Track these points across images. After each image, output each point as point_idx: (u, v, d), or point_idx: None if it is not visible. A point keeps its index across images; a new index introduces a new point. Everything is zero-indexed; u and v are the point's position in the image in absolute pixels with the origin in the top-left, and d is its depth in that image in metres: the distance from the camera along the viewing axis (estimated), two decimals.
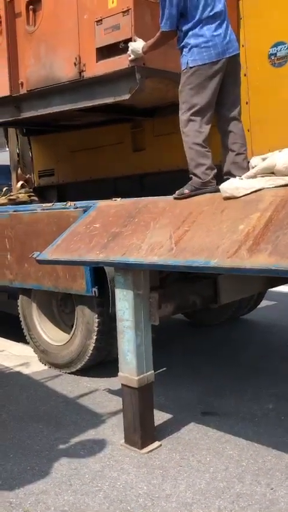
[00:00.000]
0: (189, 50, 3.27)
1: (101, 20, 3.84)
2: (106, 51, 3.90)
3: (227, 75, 3.33)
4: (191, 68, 3.27)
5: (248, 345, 5.24)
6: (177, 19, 3.29)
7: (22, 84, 4.64)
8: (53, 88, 4.36)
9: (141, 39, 3.57)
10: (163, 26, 3.34)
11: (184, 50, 3.31)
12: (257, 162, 3.10)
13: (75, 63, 4.10)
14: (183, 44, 3.32)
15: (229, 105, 3.41)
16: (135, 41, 3.60)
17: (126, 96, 3.88)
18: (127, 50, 3.63)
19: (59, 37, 4.25)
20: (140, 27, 3.65)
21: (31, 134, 6.32)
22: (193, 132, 3.29)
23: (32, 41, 4.46)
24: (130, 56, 3.62)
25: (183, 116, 3.33)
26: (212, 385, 4.12)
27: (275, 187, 2.86)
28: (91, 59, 4.00)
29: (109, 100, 4.05)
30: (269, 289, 5.27)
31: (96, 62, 3.97)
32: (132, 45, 3.59)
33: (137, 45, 3.56)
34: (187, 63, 3.28)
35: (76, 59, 4.09)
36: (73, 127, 5.63)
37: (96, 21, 3.88)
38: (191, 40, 3.27)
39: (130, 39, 3.64)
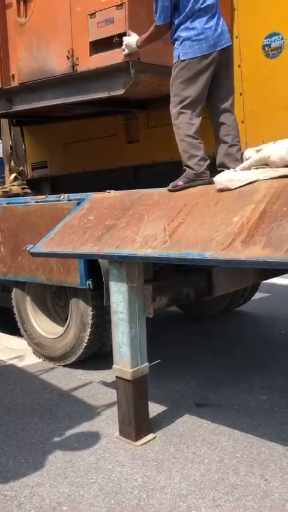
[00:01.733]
0: (181, 43, 3.25)
1: (95, 13, 3.79)
2: (100, 45, 3.85)
3: (219, 67, 3.32)
4: (182, 61, 3.25)
5: (242, 336, 5.25)
6: (171, 12, 3.26)
7: (13, 76, 4.57)
8: (45, 81, 4.31)
9: (135, 34, 3.53)
10: (157, 20, 3.31)
11: (176, 43, 3.30)
12: (251, 154, 3.10)
13: (68, 57, 4.04)
14: (175, 37, 3.31)
15: (222, 97, 3.40)
16: (129, 35, 3.55)
17: (121, 91, 3.84)
18: (121, 45, 3.59)
19: (51, 29, 4.19)
20: (134, 21, 3.61)
21: (22, 125, 6.26)
22: (184, 124, 3.29)
23: (23, 33, 4.40)
24: (124, 50, 3.58)
25: (174, 109, 3.33)
26: (206, 377, 4.13)
27: (269, 179, 2.85)
28: (84, 53, 3.95)
29: (103, 94, 4.01)
30: (263, 281, 5.28)
31: (90, 55, 3.92)
32: (126, 40, 3.54)
33: (131, 40, 3.52)
34: (178, 56, 3.27)
35: (69, 52, 4.03)
36: (66, 118, 5.58)
37: (90, 14, 3.83)
38: (182, 33, 3.25)
39: (124, 34, 3.60)
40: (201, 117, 3.33)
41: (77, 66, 4.02)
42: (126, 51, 3.57)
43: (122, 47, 3.59)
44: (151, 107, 5.02)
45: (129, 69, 3.69)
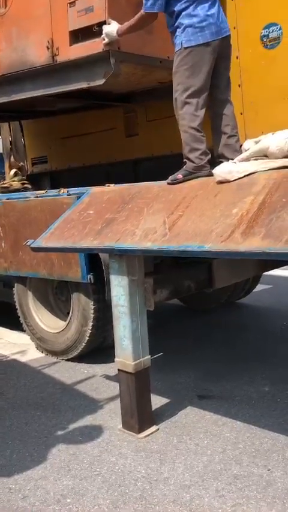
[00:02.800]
0: (183, 30, 3.21)
1: (74, 1, 3.72)
2: (80, 35, 3.78)
3: (220, 57, 3.30)
4: (185, 48, 3.22)
5: (244, 328, 5.26)
6: (166, 1, 3.23)
7: None
8: (25, 73, 4.23)
9: (115, 22, 3.48)
10: (149, 7, 3.25)
11: (178, 30, 3.26)
12: (249, 145, 3.09)
13: (47, 47, 3.97)
14: (176, 24, 3.27)
15: (222, 87, 3.39)
16: (109, 23, 3.50)
17: (101, 81, 3.77)
18: (101, 34, 3.54)
19: (30, 19, 4.11)
20: (114, 10, 3.54)
21: (4, 120, 6.20)
22: (189, 115, 3.26)
23: (3, 23, 4.31)
24: (104, 39, 3.52)
25: (180, 97, 3.28)
26: (208, 369, 4.15)
27: (268, 170, 2.85)
28: (64, 43, 3.87)
29: (83, 85, 3.94)
30: (265, 273, 5.28)
31: (70, 45, 3.85)
32: (106, 28, 3.49)
33: (111, 28, 3.47)
34: (181, 43, 3.22)
35: (49, 42, 3.96)
36: (49, 113, 5.51)
37: (69, 3, 3.76)
38: (184, 20, 3.21)
39: (104, 22, 3.54)
40: (205, 109, 3.30)
41: (57, 56, 3.95)
42: (106, 40, 3.52)
43: (102, 35, 3.53)
44: (134, 100, 4.97)
45: (109, 58, 3.62)
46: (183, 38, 3.22)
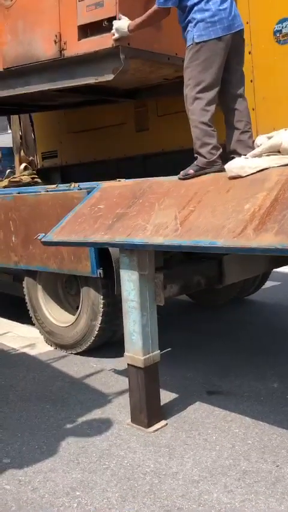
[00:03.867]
0: (195, 25, 3.20)
1: None
2: (89, 29, 3.75)
3: (232, 51, 3.28)
4: (197, 43, 3.20)
5: (253, 325, 5.25)
6: None
7: None
8: (31, 66, 4.20)
9: (126, 17, 3.46)
10: (163, 2, 3.24)
11: (189, 25, 3.25)
12: (262, 141, 3.08)
13: (55, 41, 3.94)
14: (188, 19, 3.25)
15: (234, 83, 3.37)
16: (119, 19, 3.48)
17: (110, 77, 3.74)
18: (111, 29, 3.51)
19: (38, 13, 4.07)
20: (124, 5, 3.50)
21: (6, 114, 6.19)
22: (199, 110, 3.25)
23: (9, 16, 4.27)
24: (114, 34, 3.50)
25: (190, 93, 3.27)
26: (217, 365, 4.15)
27: (281, 166, 2.84)
28: (72, 37, 3.84)
29: (91, 80, 3.91)
30: (274, 270, 5.27)
31: (78, 40, 3.82)
32: (116, 24, 3.47)
33: (122, 24, 3.45)
34: (193, 38, 3.21)
35: (56, 36, 3.92)
36: (49, 107, 5.48)
37: None
38: (196, 15, 3.20)
39: (114, 18, 3.51)
40: (215, 104, 3.29)
41: (65, 51, 3.92)
42: (117, 35, 3.49)
43: (112, 31, 3.50)
44: (140, 96, 4.94)
45: (118, 54, 3.58)
46: (195, 33, 3.21)
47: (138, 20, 3.39)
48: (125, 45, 3.57)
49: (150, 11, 3.33)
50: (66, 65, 4.01)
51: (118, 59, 3.62)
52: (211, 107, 3.27)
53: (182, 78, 3.33)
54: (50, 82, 4.19)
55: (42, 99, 4.91)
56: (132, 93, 4.91)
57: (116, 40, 3.53)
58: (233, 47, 3.27)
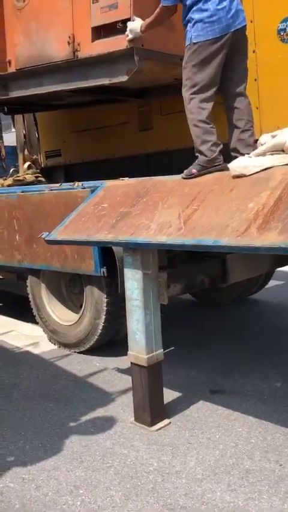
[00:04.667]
0: (193, 25, 3.19)
1: None
2: (102, 31, 3.77)
3: (233, 49, 3.25)
4: (194, 43, 3.20)
5: (256, 324, 5.25)
6: None
7: (10, 62, 4.49)
8: (44, 67, 4.22)
9: (139, 19, 3.47)
10: (166, 1, 3.25)
11: (188, 25, 3.24)
12: (266, 140, 3.07)
13: (68, 42, 3.96)
14: (187, 19, 3.25)
15: (236, 80, 3.35)
16: (133, 20, 3.49)
17: (124, 78, 3.76)
18: (125, 30, 3.52)
19: (51, 14, 4.09)
20: (139, 7, 3.51)
21: (14, 113, 6.21)
22: (196, 109, 3.25)
23: (22, 17, 4.30)
24: (128, 35, 3.51)
25: (186, 93, 3.29)
26: (220, 364, 4.15)
27: (285, 165, 2.84)
28: (86, 39, 3.86)
29: (105, 82, 3.92)
30: (277, 269, 5.26)
31: (92, 41, 3.84)
32: (130, 25, 3.49)
33: (136, 25, 3.47)
34: (191, 38, 3.21)
35: (70, 37, 3.95)
36: (61, 106, 5.50)
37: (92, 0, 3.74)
38: (194, 15, 3.19)
39: (128, 19, 3.52)
40: (213, 102, 3.28)
41: (78, 52, 3.94)
42: (131, 36, 3.51)
43: (126, 32, 3.51)
44: (149, 95, 4.94)
45: (132, 56, 3.60)
46: (193, 33, 3.21)
47: (148, 20, 3.41)
48: (139, 46, 3.59)
49: (157, 11, 3.33)
50: (79, 66, 4.03)
51: (132, 60, 3.63)
52: (208, 105, 3.26)
53: None
54: (63, 83, 4.22)
55: (52, 98, 4.93)
56: (142, 93, 4.91)
57: (130, 41, 3.55)
58: (234, 44, 3.24)
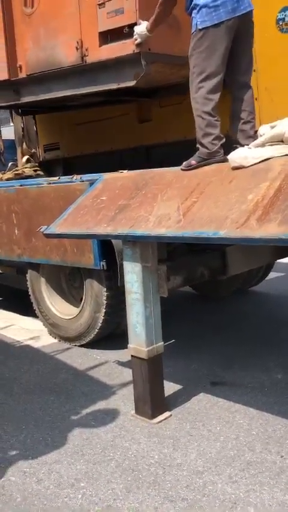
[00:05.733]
0: (198, 11, 3.14)
1: (104, 3, 3.69)
2: (110, 36, 3.77)
3: (239, 35, 3.20)
4: (200, 30, 3.14)
5: (257, 316, 5.24)
6: None
7: (21, 67, 4.50)
8: (53, 73, 4.24)
9: (144, 21, 3.44)
10: None
11: (193, 11, 3.18)
12: (265, 131, 3.05)
13: (76, 48, 3.97)
14: (192, 5, 3.19)
15: (243, 69, 3.31)
16: (139, 24, 3.47)
17: (132, 83, 3.77)
18: (132, 35, 3.51)
19: (59, 20, 4.11)
20: (144, 11, 3.48)
21: (27, 114, 6.23)
22: (202, 99, 3.20)
23: (31, 23, 4.32)
24: (136, 40, 3.49)
25: (194, 81, 3.23)
26: (220, 356, 4.15)
27: (284, 155, 2.82)
28: (94, 44, 3.86)
29: (113, 86, 3.93)
30: (278, 261, 5.25)
31: (99, 46, 3.84)
32: (137, 29, 3.47)
33: (141, 28, 3.43)
34: (196, 25, 3.15)
35: (78, 43, 3.95)
36: (72, 107, 5.50)
37: (99, 4, 3.73)
38: (199, 0, 3.14)
39: (135, 24, 3.51)
40: (220, 92, 3.23)
41: (86, 57, 3.94)
42: (139, 40, 3.49)
43: (134, 36, 3.50)
44: (159, 95, 4.92)
45: (139, 60, 3.60)
46: (198, 19, 3.14)
47: (152, 18, 3.36)
48: (145, 50, 3.57)
49: (158, 6, 3.28)
50: (88, 70, 4.04)
51: (139, 65, 3.63)
52: (215, 96, 3.21)
53: None
54: (72, 88, 4.23)
55: (62, 101, 4.92)
56: (151, 92, 4.88)
57: (137, 45, 3.53)
58: (240, 30, 3.18)
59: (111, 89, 3.98)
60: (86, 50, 3.94)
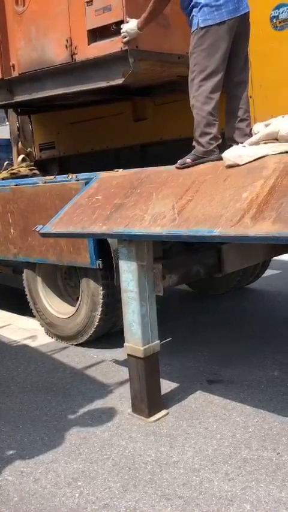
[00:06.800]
0: (200, 9, 3.13)
1: (91, 0, 3.69)
2: (98, 33, 3.77)
3: (238, 35, 3.21)
4: (202, 28, 3.14)
5: (253, 313, 5.26)
6: None
7: (13, 66, 4.51)
8: (45, 71, 4.25)
9: (134, 19, 3.44)
10: None
11: (194, 10, 3.17)
12: (259, 129, 3.05)
13: (66, 46, 3.97)
14: (192, 3, 3.18)
15: (239, 68, 3.32)
16: (127, 22, 3.47)
17: (120, 80, 3.77)
18: (120, 33, 3.50)
19: (49, 18, 4.11)
20: (131, 9, 3.49)
21: (25, 114, 6.23)
22: (203, 98, 3.20)
23: (22, 21, 4.32)
24: (125, 37, 3.48)
25: (195, 79, 3.22)
26: (217, 354, 4.15)
27: (279, 153, 2.82)
28: (83, 42, 3.87)
29: (102, 84, 3.93)
30: (274, 258, 5.26)
31: (88, 44, 3.84)
32: (125, 26, 3.46)
33: (131, 25, 3.43)
34: (198, 23, 3.15)
35: (67, 41, 3.96)
36: (69, 106, 5.51)
37: (87, 2, 3.74)
38: None
39: (122, 22, 3.51)
40: (220, 91, 3.24)
41: (76, 55, 3.95)
42: (128, 38, 3.48)
43: (123, 33, 3.48)
44: (153, 93, 4.92)
45: (127, 57, 3.60)
46: (200, 18, 3.14)
47: (144, 14, 3.35)
48: (133, 48, 3.57)
49: (152, 2, 3.28)
50: (78, 68, 4.04)
51: (127, 62, 3.63)
52: (215, 95, 3.22)
53: None
54: (63, 86, 4.24)
55: (57, 99, 4.93)
56: (146, 90, 4.88)
57: (126, 43, 3.52)
58: (239, 30, 3.20)
59: (101, 86, 3.97)
60: (76, 48, 3.94)
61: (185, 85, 3.34)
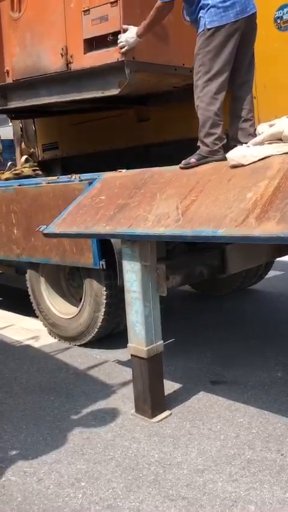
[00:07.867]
0: (207, 10, 3.13)
1: (89, 10, 3.68)
2: (94, 43, 3.75)
3: (244, 36, 3.21)
4: (208, 29, 3.14)
5: (256, 314, 5.25)
6: None
7: (8, 72, 4.49)
8: (40, 79, 4.22)
9: (132, 26, 3.42)
10: None
11: (201, 11, 3.17)
12: (264, 129, 3.05)
13: (62, 54, 3.95)
14: (200, 5, 3.18)
15: (243, 69, 3.31)
16: (125, 30, 3.45)
17: (115, 91, 3.74)
18: (116, 43, 3.48)
19: (45, 25, 4.08)
20: (129, 20, 3.48)
21: (20, 119, 6.23)
22: (208, 98, 3.19)
23: (17, 28, 4.29)
24: (123, 47, 3.46)
25: (200, 80, 3.22)
26: (220, 355, 4.15)
27: (283, 154, 2.81)
28: (79, 51, 3.85)
29: (97, 94, 3.91)
30: (277, 259, 5.25)
31: (84, 53, 3.82)
32: (124, 36, 3.44)
33: (130, 34, 3.42)
34: (204, 24, 3.14)
35: (63, 49, 3.93)
36: (64, 112, 5.50)
37: (84, 11, 3.73)
38: (208, 0, 3.14)
39: (119, 32, 3.50)
40: (225, 92, 3.23)
41: (71, 64, 3.92)
42: (126, 47, 3.46)
43: (121, 43, 3.46)
44: (150, 102, 4.90)
45: (123, 68, 3.58)
46: (207, 19, 3.14)
47: (145, 22, 3.35)
48: (130, 59, 3.55)
49: (153, 10, 3.27)
50: (73, 77, 4.01)
51: (123, 73, 3.61)
52: (220, 95, 3.22)
53: (192, 86, 3.29)
54: (58, 94, 4.21)
55: (52, 106, 4.92)
56: (143, 100, 4.86)
57: (123, 53, 3.50)
58: (245, 31, 3.20)
59: (96, 96, 3.95)
60: (71, 56, 3.91)
61: (181, 95, 3.33)
